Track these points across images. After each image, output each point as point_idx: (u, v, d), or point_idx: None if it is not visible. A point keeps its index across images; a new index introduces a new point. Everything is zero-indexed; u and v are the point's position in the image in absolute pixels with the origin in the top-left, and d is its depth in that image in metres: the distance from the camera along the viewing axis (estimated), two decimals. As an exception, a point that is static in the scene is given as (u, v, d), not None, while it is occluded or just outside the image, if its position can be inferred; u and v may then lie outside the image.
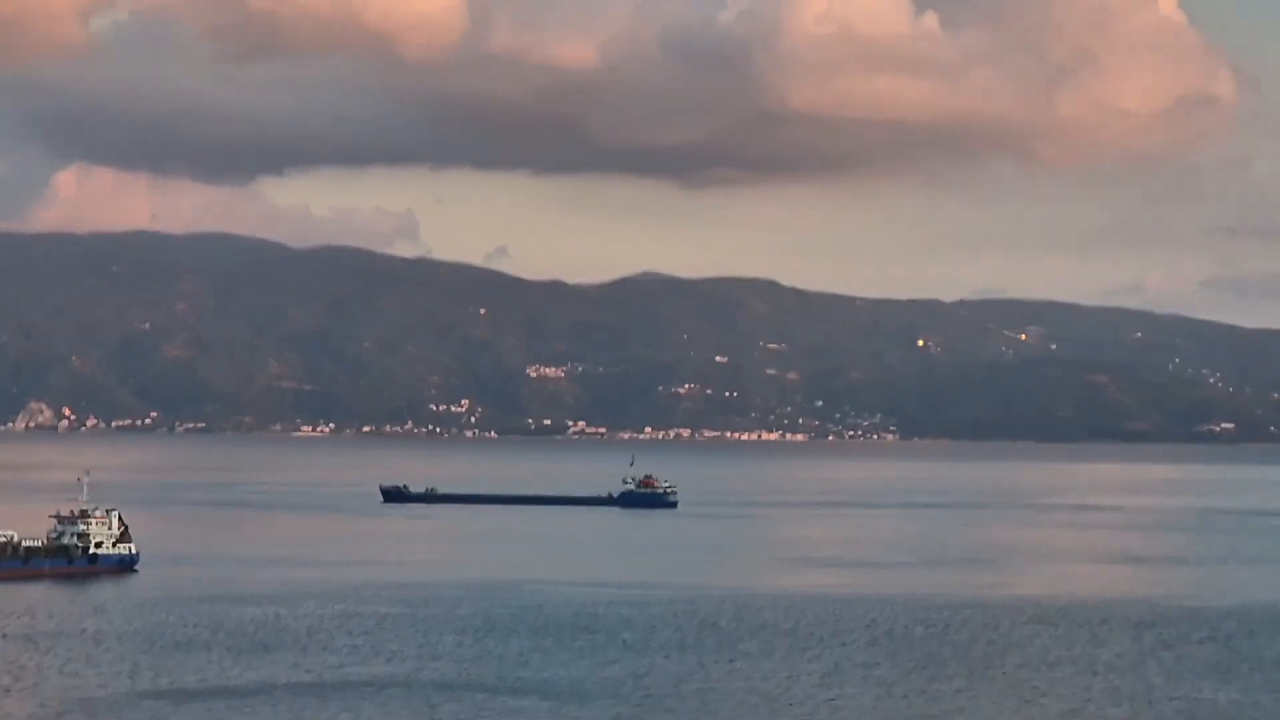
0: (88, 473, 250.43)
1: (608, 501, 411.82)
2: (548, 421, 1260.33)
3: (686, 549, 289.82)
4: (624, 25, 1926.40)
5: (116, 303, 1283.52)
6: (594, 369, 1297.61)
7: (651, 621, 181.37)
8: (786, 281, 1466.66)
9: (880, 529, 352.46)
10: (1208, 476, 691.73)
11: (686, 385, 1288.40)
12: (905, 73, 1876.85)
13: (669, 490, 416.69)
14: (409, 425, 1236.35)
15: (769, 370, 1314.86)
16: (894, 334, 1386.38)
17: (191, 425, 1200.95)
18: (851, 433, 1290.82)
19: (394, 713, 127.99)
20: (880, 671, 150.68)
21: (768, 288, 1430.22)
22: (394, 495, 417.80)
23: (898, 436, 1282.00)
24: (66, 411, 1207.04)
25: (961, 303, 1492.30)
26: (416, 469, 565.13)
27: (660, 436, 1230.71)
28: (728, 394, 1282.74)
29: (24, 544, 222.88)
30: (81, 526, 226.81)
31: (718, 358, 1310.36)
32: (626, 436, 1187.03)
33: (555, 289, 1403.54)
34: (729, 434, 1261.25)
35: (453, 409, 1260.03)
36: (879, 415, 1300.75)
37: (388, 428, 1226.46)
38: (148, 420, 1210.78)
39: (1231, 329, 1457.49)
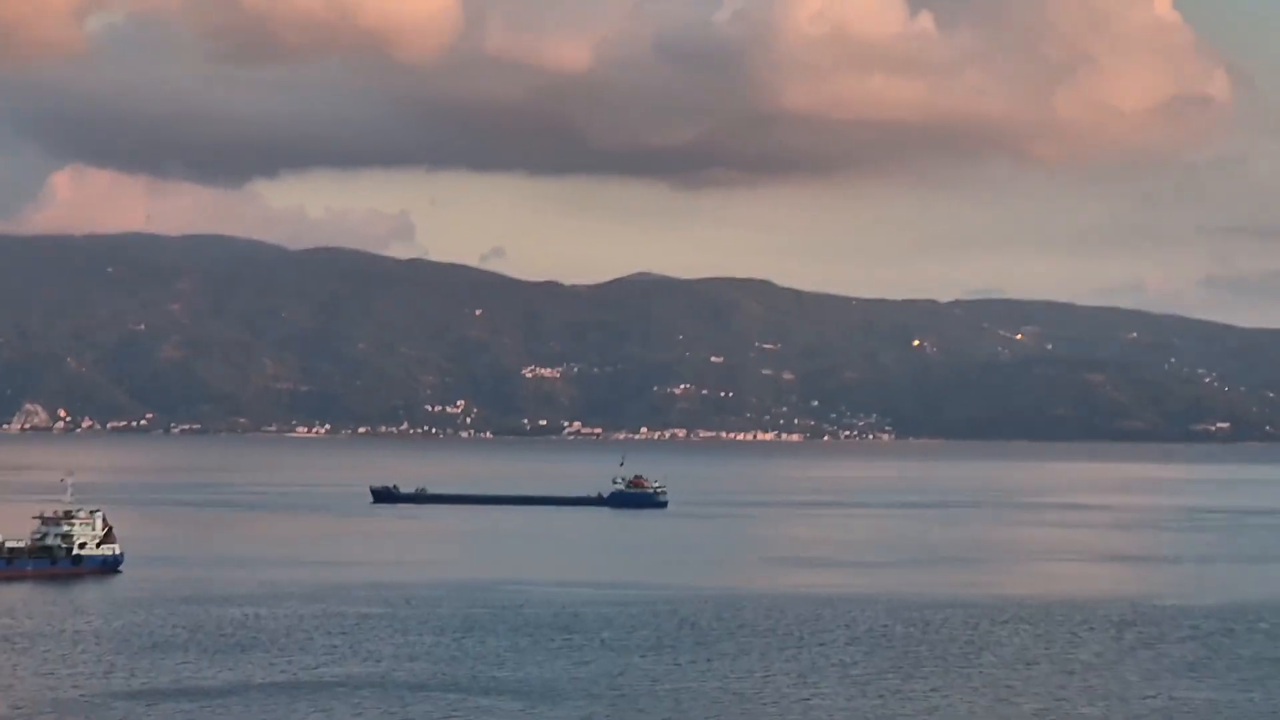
0: (71, 474, 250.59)
1: (597, 502, 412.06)
2: (543, 422, 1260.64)
3: (673, 549, 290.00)
4: (618, 26, 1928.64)
5: (112, 304, 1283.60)
6: (589, 369, 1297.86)
7: (631, 621, 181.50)
8: (781, 282, 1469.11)
9: (867, 529, 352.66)
10: (1200, 475, 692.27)
11: (682, 385, 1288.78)
12: (900, 73, 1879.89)
13: (659, 490, 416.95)
14: (404, 426, 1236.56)
15: (764, 370, 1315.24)
16: (889, 334, 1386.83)
17: (187, 426, 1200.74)
18: (847, 433, 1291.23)
19: (366, 712, 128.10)
20: (857, 671, 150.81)
21: (763, 288, 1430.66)
22: (384, 496, 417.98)
23: (893, 436, 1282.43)
24: (62, 413, 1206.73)
25: (957, 303, 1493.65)
26: (410, 469, 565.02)
27: (656, 437, 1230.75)
28: (723, 394, 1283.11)
29: (7, 545, 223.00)
30: (65, 527, 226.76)
31: (713, 358, 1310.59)
32: (622, 437, 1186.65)
33: (550, 290, 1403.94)
34: (724, 434, 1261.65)
35: (448, 409, 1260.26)
36: (874, 415, 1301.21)
37: (383, 428, 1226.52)
38: (143, 421, 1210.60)
39: (1227, 328, 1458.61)
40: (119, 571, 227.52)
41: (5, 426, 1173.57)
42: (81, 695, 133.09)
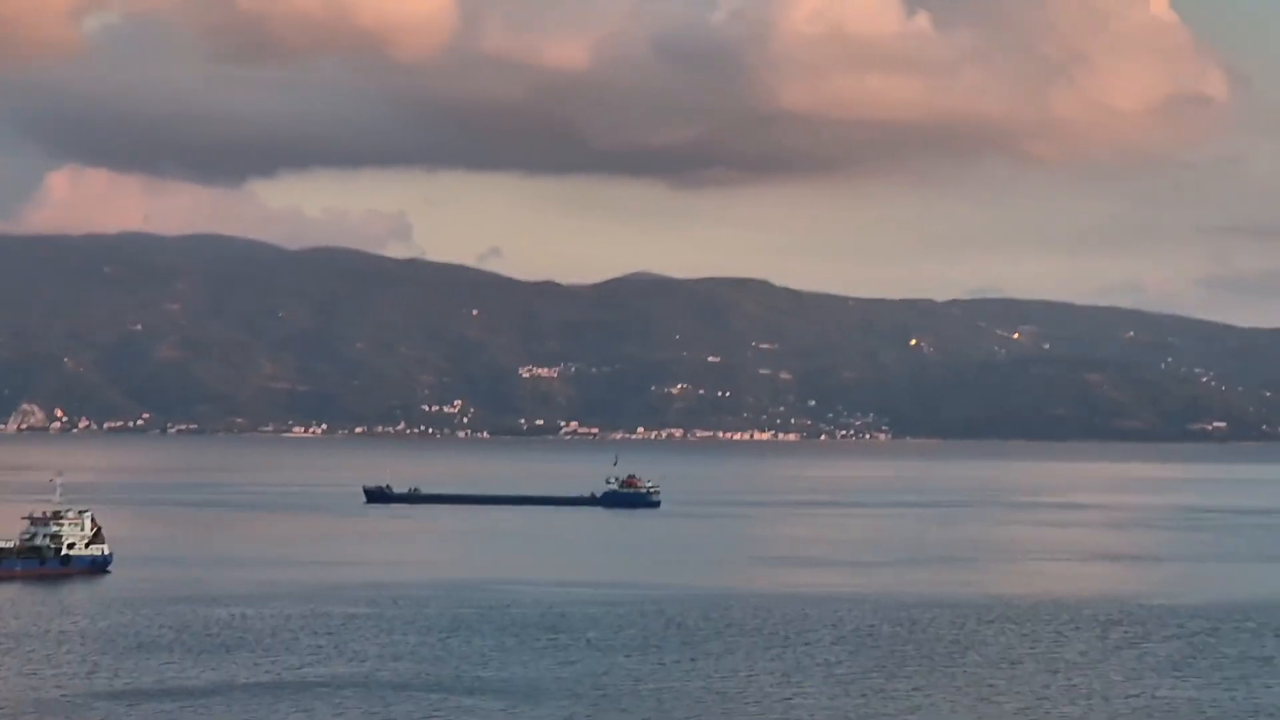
0: (60, 474, 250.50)
1: (591, 501, 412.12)
2: (540, 422, 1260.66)
3: (664, 549, 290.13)
4: (616, 26, 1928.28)
5: (109, 304, 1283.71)
6: (586, 369, 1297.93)
7: (618, 621, 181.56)
8: (779, 281, 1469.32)
9: (860, 528, 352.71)
10: (1196, 475, 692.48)
11: (679, 385, 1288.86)
12: (897, 72, 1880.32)
13: (652, 490, 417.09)
14: (402, 426, 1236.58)
15: (762, 370, 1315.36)
16: (887, 333, 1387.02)
17: (184, 426, 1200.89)
18: (844, 432, 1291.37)
19: (347, 713, 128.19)
20: (841, 670, 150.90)
21: (760, 287, 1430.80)
22: (377, 496, 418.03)
23: (890, 436, 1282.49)
24: (59, 413, 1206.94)
25: (954, 302, 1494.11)
26: (406, 469, 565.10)
27: (653, 436, 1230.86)
28: (720, 394, 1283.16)
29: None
30: (54, 528, 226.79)
31: (710, 358, 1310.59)
32: (619, 437, 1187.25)
33: (548, 289, 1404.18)
34: (722, 434, 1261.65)
35: (445, 409, 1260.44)
36: (871, 415, 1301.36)
37: (380, 428, 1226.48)
38: (140, 421, 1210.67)
39: (1224, 328, 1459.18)
40: (108, 572, 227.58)
41: (2, 427, 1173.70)
42: (63, 695, 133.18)
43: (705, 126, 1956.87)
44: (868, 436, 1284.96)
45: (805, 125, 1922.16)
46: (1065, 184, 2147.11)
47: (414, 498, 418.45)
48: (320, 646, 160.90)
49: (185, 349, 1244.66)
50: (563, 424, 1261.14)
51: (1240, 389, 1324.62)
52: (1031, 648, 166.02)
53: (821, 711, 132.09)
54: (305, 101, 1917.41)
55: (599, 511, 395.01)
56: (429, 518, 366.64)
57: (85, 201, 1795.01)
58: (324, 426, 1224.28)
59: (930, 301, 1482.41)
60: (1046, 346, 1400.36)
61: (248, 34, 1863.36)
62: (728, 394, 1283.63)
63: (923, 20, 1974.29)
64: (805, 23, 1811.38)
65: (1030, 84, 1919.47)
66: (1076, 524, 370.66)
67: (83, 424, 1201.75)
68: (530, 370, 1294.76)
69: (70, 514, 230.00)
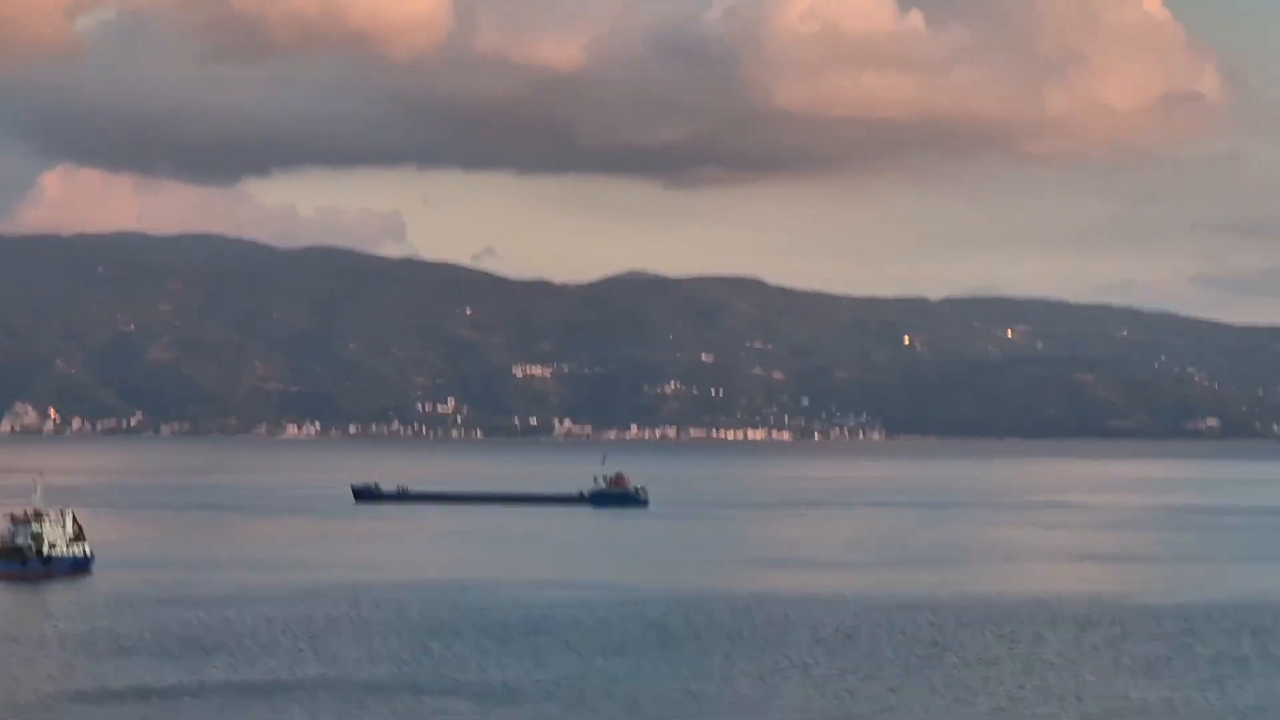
0: (41, 473, 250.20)
1: (578, 500, 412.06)
2: (534, 421, 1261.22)
3: (650, 549, 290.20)
4: (609, 25, 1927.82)
5: (102, 304, 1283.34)
6: (580, 368, 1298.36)
7: (598, 622, 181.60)
8: (772, 280, 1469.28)
9: (847, 528, 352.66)
10: (1187, 474, 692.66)
11: (672, 384, 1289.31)
12: (890, 71, 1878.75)
13: (640, 489, 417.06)
14: (395, 425, 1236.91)
15: (755, 369, 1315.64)
16: (880, 332, 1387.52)
17: (177, 427, 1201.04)
18: (837, 431, 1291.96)
19: (319, 714, 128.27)
20: (817, 671, 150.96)
21: (753, 286, 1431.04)
22: (365, 495, 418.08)
23: (884, 435, 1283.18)
24: (52, 413, 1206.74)
25: (948, 301, 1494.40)
26: (398, 469, 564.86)
27: (646, 436, 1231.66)
28: (713, 393, 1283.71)
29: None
30: (35, 528, 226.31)
31: (703, 357, 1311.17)
32: (613, 436, 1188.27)
33: (541, 288, 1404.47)
34: (715, 433, 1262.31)
35: (439, 409, 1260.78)
36: (865, 414, 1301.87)
37: (374, 428, 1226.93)
38: (133, 422, 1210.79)
39: (1218, 326, 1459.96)
40: (90, 573, 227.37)
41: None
42: (36, 697, 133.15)
43: (699, 125, 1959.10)
44: (861, 436, 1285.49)
45: (799, 124, 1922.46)
46: (1059, 182, 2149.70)
47: (402, 497, 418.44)
48: (298, 648, 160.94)
49: (178, 349, 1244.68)
50: (556, 423, 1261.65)
51: (1234, 388, 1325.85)
52: (1009, 648, 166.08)
53: (795, 713, 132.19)
54: (299, 101, 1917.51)
55: (586, 511, 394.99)
56: (416, 517, 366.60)
57: (78, 201, 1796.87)
58: (318, 426, 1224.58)
59: (924, 300, 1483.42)
60: (1040, 345, 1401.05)
61: (242, 33, 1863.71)
62: (721, 393, 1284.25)
63: (916, 19, 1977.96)
64: (798, 21, 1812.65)
65: (1023, 82, 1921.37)
66: (1064, 524, 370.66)
67: (76, 425, 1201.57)
68: (524, 369, 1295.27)
69: (51, 514, 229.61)
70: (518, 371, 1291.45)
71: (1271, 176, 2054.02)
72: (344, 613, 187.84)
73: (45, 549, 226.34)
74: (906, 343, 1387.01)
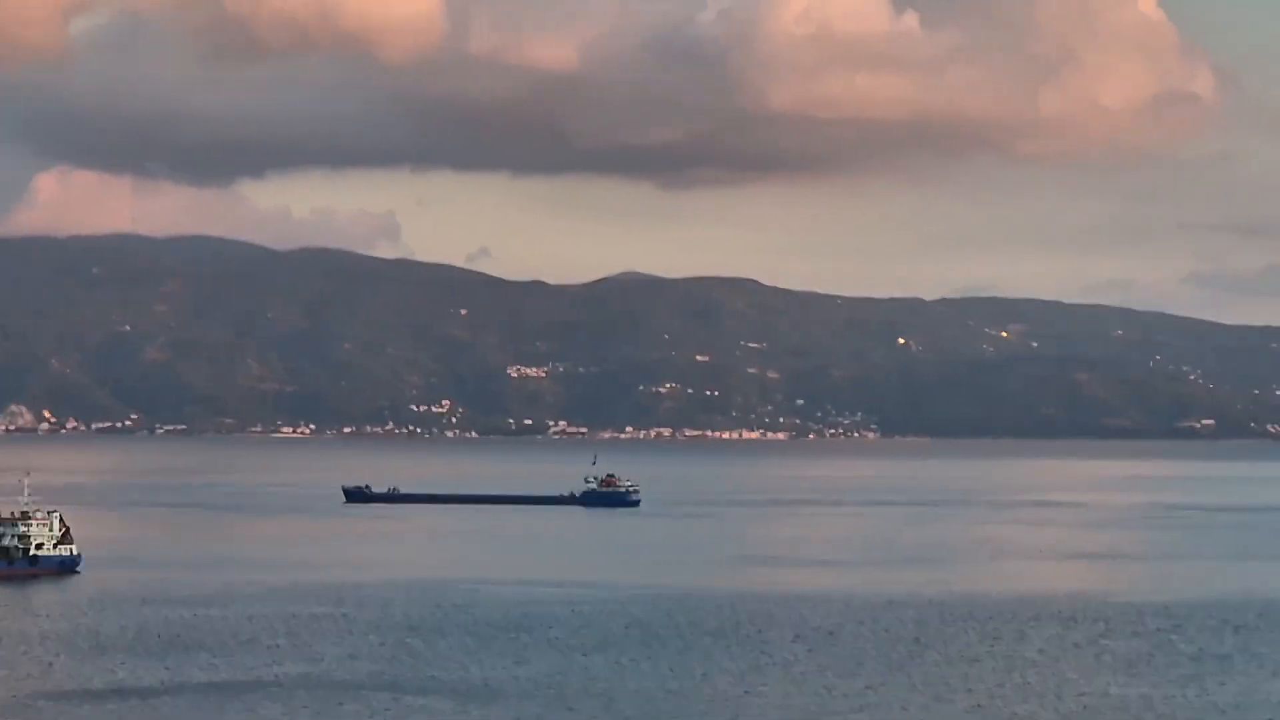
0: (29, 473, 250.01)
1: (570, 501, 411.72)
2: (529, 421, 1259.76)
3: (637, 548, 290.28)
4: (604, 26, 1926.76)
5: (97, 305, 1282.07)
6: (575, 369, 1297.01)
7: (581, 621, 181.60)
8: (767, 280, 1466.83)
9: (836, 527, 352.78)
10: (1180, 473, 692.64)
11: (668, 385, 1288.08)
12: (885, 72, 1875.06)
13: (631, 489, 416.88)
14: (390, 426, 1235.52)
15: (750, 369, 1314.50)
16: (875, 332, 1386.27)
17: (172, 427, 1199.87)
18: (832, 431, 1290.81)
19: (296, 713, 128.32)
20: (797, 669, 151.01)
21: (748, 287, 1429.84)
22: (356, 495, 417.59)
23: (879, 435, 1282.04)
24: (47, 414, 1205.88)
25: (943, 300, 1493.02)
26: (392, 469, 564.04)
27: (642, 436, 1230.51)
28: (709, 393, 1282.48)
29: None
30: (22, 528, 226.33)
31: (699, 357, 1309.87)
32: (608, 436, 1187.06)
33: (536, 289, 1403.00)
34: (710, 433, 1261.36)
35: (433, 409, 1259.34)
36: (860, 414, 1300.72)
37: (369, 428, 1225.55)
38: (128, 422, 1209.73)
39: (1213, 325, 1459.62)
40: (77, 572, 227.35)
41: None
42: (14, 696, 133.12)
43: (694, 126, 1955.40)
44: (856, 435, 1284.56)
45: (794, 125, 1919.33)
46: (1054, 183, 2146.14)
47: (393, 498, 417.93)
48: (279, 647, 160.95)
49: (173, 350, 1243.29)
50: (551, 424, 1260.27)
51: (1228, 387, 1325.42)
52: (991, 646, 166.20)
53: (773, 710, 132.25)
54: (294, 102, 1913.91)
55: (578, 511, 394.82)
56: (407, 518, 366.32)
57: (73, 203, 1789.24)
58: (312, 427, 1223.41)
59: (919, 300, 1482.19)
60: (1035, 345, 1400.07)
61: (236, 35, 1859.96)
62: (716, 393, 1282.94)
63: (910, 20, 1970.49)
64: (793, 22, 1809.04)
65: (1018, 83, 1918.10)
66: (1054, 522, 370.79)
67: (71, 425, 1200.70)
68: (519, 370, 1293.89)
69: (39, 514, 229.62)
70: (513, 372, 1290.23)
71: (1266, 176, 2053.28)
72: (327, 612, 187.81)
73: (32, 549, 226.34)
74: (902, 343, 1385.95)
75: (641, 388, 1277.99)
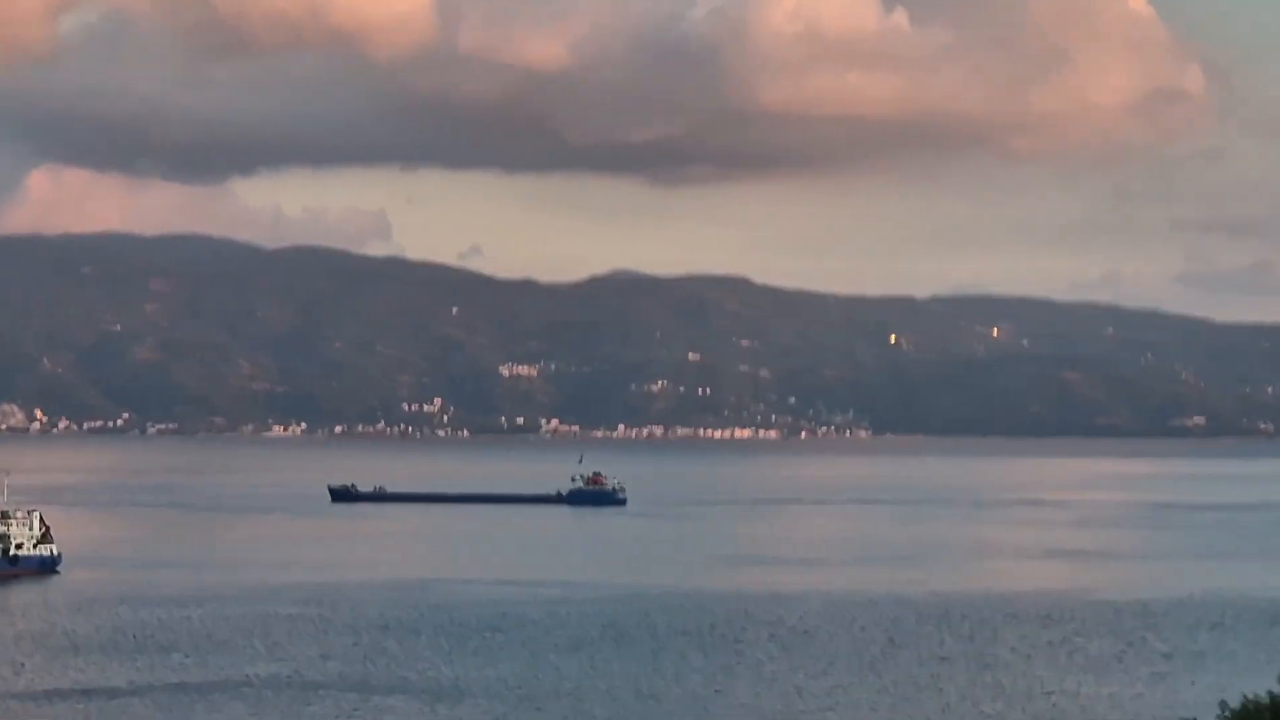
0: (9, 473, 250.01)
1: (556, 500, 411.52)
2: (521, 420, 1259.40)
3: (620, 548, 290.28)
4: (594, 24, 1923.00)
5: (87, 304, 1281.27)
6: (567, 367, 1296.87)
7: (556, 621, 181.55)
8: (759, 279, 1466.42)
9: (821, 526, 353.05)
10: (1169, 471, 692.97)
11: (659, 383, 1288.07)
12: (876, 69, 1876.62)
13: (618, 488, 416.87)
14: (381, 425, 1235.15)
15: (742, 368, 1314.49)
16: (866, 331, 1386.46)
17: (163, 427, 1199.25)
18: (824, 430, 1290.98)
19: (261, 712, 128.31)
20: (769, 669, 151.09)
21: (740, 285, 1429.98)
22: (342, 495, 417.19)
23: (870, 433, 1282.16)
24: (38, 413, 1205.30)
25: (934, 299, 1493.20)
26: (381, 469, 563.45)
27: (633, 435, 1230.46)
28: (700, 392, 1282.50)
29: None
30: (1, 528, 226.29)
31: (690, 355, 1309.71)
32: (600, 435, 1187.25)
33: (528, 288, 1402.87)
34: (702, 432, 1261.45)
35: (425, 408, 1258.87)
36: (851, 412, 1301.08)
37: (360, 428, 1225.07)
38: (119, 422, 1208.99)
39: (1204, 324, 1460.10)
40: (57, 572, 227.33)
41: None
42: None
43: (685, 124, 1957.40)
44: (848, 434, 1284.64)
45: (784, 122, 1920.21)
46: (1044, 180, 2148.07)
47: (379, 497, 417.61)
48: (252, 647, 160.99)
49: (164, 349, 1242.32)
50: (543, 422, 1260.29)
51: (1220, 386, 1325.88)
52: (966, 645, 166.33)
53: (741, 710, 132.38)
54: (284, 101, 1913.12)
55: (563, 510, 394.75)
56: (391, 517, 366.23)
57: (64, 201, 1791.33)
58: (304, 426, 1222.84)
59: (910, 299, 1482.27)
60: (1025, 343, 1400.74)
61: (226, 33, 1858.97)
62: (708, 392, 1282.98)
63: (900, 17, 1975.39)
64: (784, 20, 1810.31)
65: (1009, 80, 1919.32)
66: (1040, 521, 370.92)
67: (63, 424, 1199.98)
68: (510, 368, 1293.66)
69: (18, 514, 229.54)
70: (504, 371, 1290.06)
71: (1256, 174, 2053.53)
72: (303, 612, 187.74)
73: (11, 549, 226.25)
74: (893, 341, 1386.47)
75: (633, 386, 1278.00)
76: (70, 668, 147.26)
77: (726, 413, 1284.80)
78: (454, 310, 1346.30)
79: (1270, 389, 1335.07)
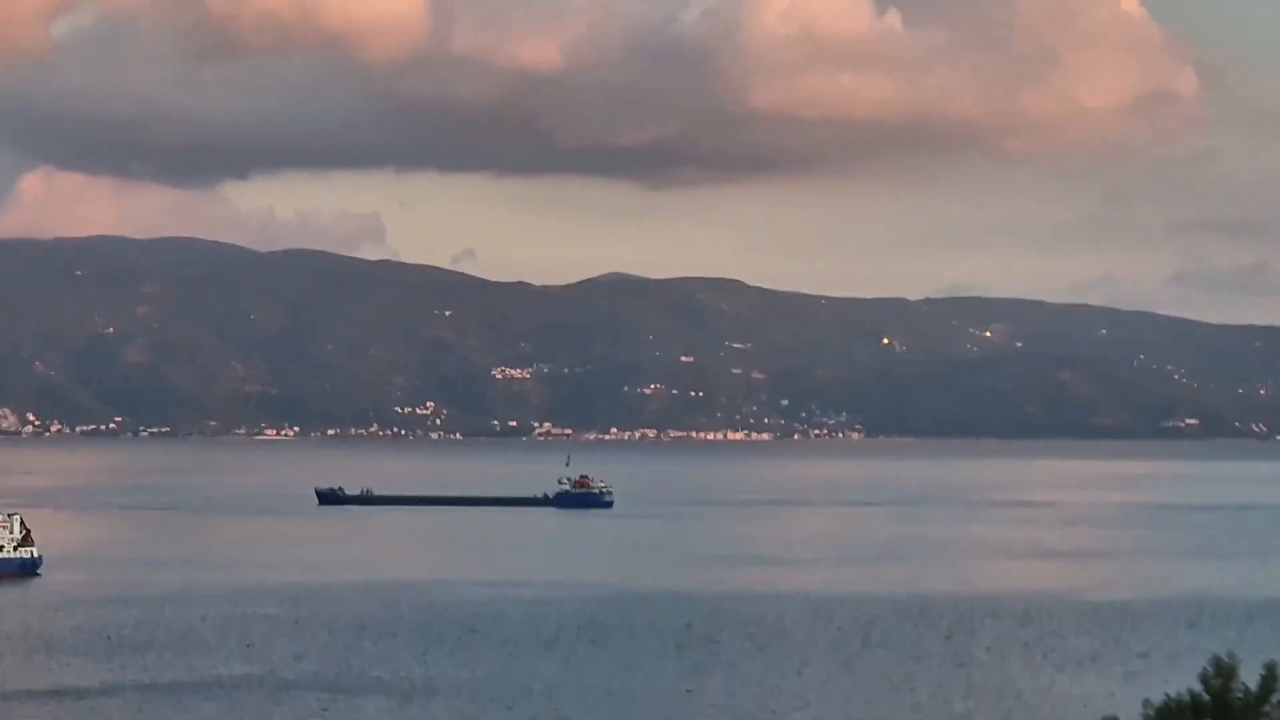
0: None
1: (543, 502, 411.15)
2: (513, 423, 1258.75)
3: (604, 549, 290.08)
4: (587, 26, 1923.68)
5: (79, 307, 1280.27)
6: (560, 370, 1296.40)
7: (535, 621, 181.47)
8: (752, 281, 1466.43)
9: (808, 527, 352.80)
10: (1161, 472, 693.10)
11: (652, 385, 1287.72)
12: (868, 71, 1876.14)
13: (604, 490, 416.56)
14: (374, 428, 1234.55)
15: (734, 369, 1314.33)
16: (859, 332, 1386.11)
17: (156, 430, 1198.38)
18: (817, 431, 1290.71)
19: (233, 711, 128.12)
20: (746, 667, 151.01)
21: (733, 287, 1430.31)
22: (329, 498, 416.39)
23: (864, 435, 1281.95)
24: (31, 416, 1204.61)
25: (927, 300, 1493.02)
26: (372, 471, 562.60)
27: (626, 437, 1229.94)
28: (693, 394, 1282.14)
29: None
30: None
31: (683, 357, 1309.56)
32: (593, 437, 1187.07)
33: (520, 290, 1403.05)
34: (695, 434, 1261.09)
35: (418, 411, 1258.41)
36: (845, 414, 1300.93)
37: (353, 430, 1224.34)
38: (112, 425, 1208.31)
39: (1197, 324, 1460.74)
40: (38, 574, 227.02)
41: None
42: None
43: (677, 126, 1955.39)
44: (841, 436, 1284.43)
45: (777, 124, 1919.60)
46: (1037, 182, 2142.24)
47: (367, 499, 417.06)
48: (228, 647, 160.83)
49: (156, 352, 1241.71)
50: (536, 425, 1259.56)
51: (1213, 386, 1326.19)
52: (943, 644, 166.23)
53: (713, 709, 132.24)
54: (277, 104, 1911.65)
55: (551, 512, 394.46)
56: (378, 519, 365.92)
57: (56, 204, 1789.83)
58: (296, 429, 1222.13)
59: (903, 300, 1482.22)
60: (1019, 344, 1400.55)
61: (219, 36, 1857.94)
62: (701, 394, 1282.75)
63: (893, 19, 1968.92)
64: (777, 22, 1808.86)
65: (1001, 82, 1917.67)
66: (1028, 521, 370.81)
67: (55, 428, 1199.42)
68: (503, 371, 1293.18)
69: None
70: (497, 373, 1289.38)
71: (1249, 174, 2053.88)
72: (281, 613, 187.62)
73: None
74: (886, 343, 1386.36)
75: (626, 388, 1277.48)
76: (45, 669, 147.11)
77: (719, 415, 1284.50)
78: (446, 313, 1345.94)
79: (1264, 390, 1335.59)
